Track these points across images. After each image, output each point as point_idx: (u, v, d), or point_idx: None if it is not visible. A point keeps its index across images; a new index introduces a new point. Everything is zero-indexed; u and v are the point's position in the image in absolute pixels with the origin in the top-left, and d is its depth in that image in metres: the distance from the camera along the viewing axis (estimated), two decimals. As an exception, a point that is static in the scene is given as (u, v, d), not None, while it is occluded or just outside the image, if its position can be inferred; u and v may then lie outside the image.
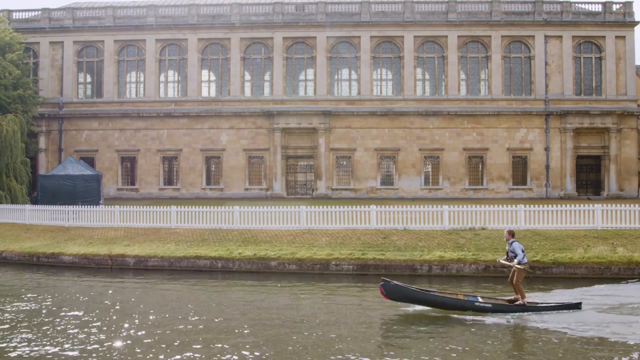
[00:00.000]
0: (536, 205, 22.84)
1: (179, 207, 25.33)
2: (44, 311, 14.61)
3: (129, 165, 43.26)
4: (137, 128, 42.66)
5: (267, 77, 43.06)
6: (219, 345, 11.49)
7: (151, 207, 25.62)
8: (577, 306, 13.94)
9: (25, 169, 33.77)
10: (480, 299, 14.07)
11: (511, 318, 13.38)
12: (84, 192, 31.27)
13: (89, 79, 44.15)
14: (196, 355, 10.90)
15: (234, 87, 42.53)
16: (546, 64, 41.59)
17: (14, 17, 43.82)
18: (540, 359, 10.78)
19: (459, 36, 41.96)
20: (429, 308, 14.06)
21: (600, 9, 42.07)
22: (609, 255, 19.37)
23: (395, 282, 14.27)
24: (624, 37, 41.62)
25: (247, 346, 11.44)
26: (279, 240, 22.16)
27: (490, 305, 13.77)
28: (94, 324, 13.23)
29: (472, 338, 12.06)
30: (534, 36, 41.76)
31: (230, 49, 42.67)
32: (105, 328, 12.90)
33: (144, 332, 12.53)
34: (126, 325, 13.06)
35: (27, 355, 10.97)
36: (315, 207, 24.16)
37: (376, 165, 41.69)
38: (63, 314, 14.26)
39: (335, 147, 41.73)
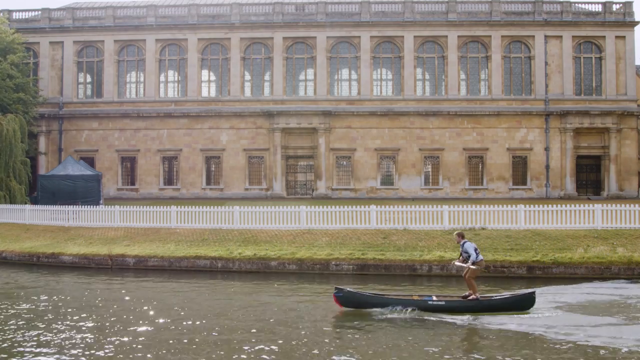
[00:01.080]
0: (536, 205, 22.85)
1: (179, 207, 25.34)
2: (40, 311, 14.60)
3: (129, 165, 43.26)
4: (137, 128, 42.65)
5: (267, 77, 43.06)
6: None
7: (151, 207, 25.63)
8: (530, 296, 13.96)
9: (25, 169, 33.76)
10: (434, 298, 14.21)
11: (467, 315, 13.48)
12: (84, 192, 31.25)
13: (89, 79, 44.14)
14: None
15: (234, 87, 42.52)
16: (546, 64, 41.59)
17: (14, 17, 43.82)
18: (492, 357, 10.82)
19: (459, 36, 41.95)
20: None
21: (600, 9, 42.06)
22: (609, 255, 19.38)
23: (348, 289, 14.44)
24: (624, 37, 41.61)
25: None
26: (279, 240, 22.16)
27: (443, 303, 13.93)
28: (89, 325, 13.23)
29: (426, 337, 12.09)
30: (534, 36, 41.76)
31: (230, 49, 42.67)
32: (96, 330, 12.90)
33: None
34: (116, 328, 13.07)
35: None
36: (315, 207, 24.17)
37: (376, 165, 41.68)
38: (62, 314, 14.26)
39: (335, 147, 41.72)
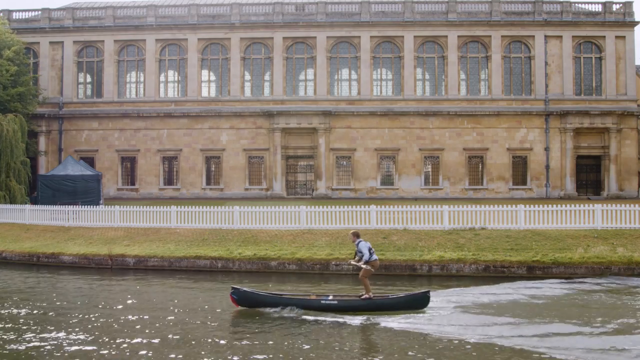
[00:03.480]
0: (536, 205, 22.84)
1: (179, 207, 25.32)
2: (37, 311, 14.61)
3: (129, 165, 43.26)
4: (137, 128, 42.66)
5: (267, 77, 43.06)
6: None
7: (151, 207, 25.61)
8: (424, 296, 14.04)
9: (25, 169, 33.73)
10: (330, 297, 14.30)
11: (362, 315, 13.54)
12: (84, 192, 31.23)
13: (89, 79, 44.14)
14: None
15: (234, 87, 42.53)
16: (546, 64, 41.59)
17: (14, 17, 43.82)
18: (384, 356, 10.89)
19: (459, 36, 41.96)
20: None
21: (600, 9, 42.06)
22: (609, 255, 19.36)
23: (244, 288, 14.53)
24: (624, 37, 41.62)
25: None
26: (279, 240, 22.15)
27: (336, 303, 13.99)
28: (88, 325, 13.24)
29: (321, 336, 12.18)
30: (534, 36, 41.76)
31: (230, 49, 42.67)
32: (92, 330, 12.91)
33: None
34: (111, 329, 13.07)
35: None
36: (315, 207, 24.15)
37: (376, 165, 41.68)
38: (60, 314, 14.27)
39: (335, 147, 41.73)
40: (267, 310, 14.05)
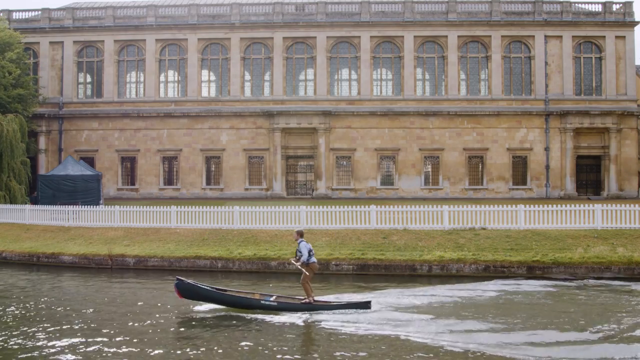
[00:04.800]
0: (536, 205, 22.84)
1: (179, 207, 25.31)
2: (34, 312, 14.61)
3: (129, 165, 43.26)
4: (137, 128, 42.66)
5: (267, 77, 43.06)
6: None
7: (151, 207, 25.60)
8: (366, 305, 14.12)
9: (25, 169, 33.74)
10: (272, 298, 14.41)
11: (303, 316, 13.64)
12: (84, 192, 31.23)
13: (89, 79, 44.15)
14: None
15: (234, 87, 42.53)
16: (546, 64, 41.59)
17: (14, 17, 43.81)
18: (321, 356, 10.97)
19: (459, 36, 41.96)
20: (224, 307, 14.46)
21: (600, 9, 42.06)
22: (609, 255, 19.36)
23: (189, 281, 14.58)
24: (624, 37, 41.61)
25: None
26: (279, 240, 22.15)
27: (276, 304, 14.09)
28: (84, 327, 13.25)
29: (258, 336, 12.28)
30: (534, 36, 41.76)
31: (230, 49, 42.67)
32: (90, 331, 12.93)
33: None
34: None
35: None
36: (315, 207, 24.15)
37: (376, 165, 41.68)
38: (59, 314, 14.28)
39: (335, 147, 41.73)
40: (215, 306, 14.39)
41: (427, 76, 42.81)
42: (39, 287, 18.28)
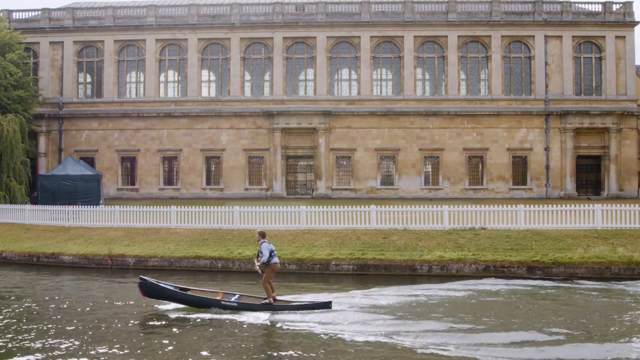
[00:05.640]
0: (536, 205, 22.83)
1: (179, 207, 25.31)
2: (34, 312, 14.62)
3: (129, 165, 43.26)
4: (137, 128, 42.66)
5: (267, 77, 43.06)
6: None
7: (151, 207, 25.60)
8: (327, 305, 14.24)
9: (25, 169, 33.73)
10: (233, 298, 14.54)
11: (262, 316, 13.76)
12: (84, 192, 31.23)
13: (89, 79, 44.14)
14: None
15: (234, 87, 42.53)
16: (546, 64, 41.59)
17: (14, 17, 43.81)
18: (277, 355, 11.07)
19: (459, 36, 41.95)
20: (184, 306, 14.58)
21: (600, 9, 42.06)
22: (609, 255, 19.35)
23: (152, 280, 14.70)
24: (624, 37, 41.62)
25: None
26: (279, 240, 22.11)
27: (236, 304, 14.25)
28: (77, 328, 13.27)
29: (218, 336, 12.37)
30: (534, 36, 41.76)
31: (230, 49, 42.67)
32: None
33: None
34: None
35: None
36: (315, 207, 24.14)
37: (376, 165, 41.68)
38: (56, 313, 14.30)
39: (335, 147, 41.72)
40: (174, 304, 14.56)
41: (427, 76, 42.80)
42: (28, 287, 18.28)
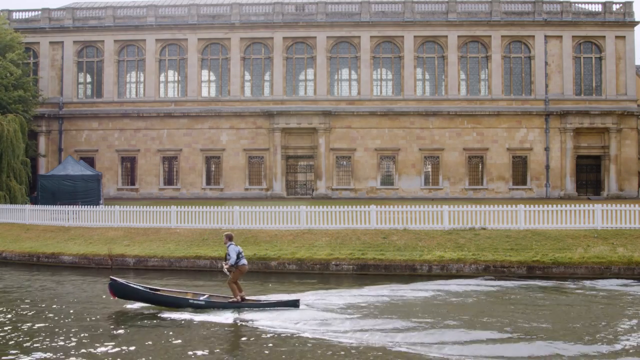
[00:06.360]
0: (536, 205, 22.82)
1: (179, 207, 25.31)
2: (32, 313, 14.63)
3: (129, 165, 43.26)
4: (137, 128, 42.66)
5: (267, 77, 43.06)
6: None
7: (151, 207, 25.59)
8: (294, 303, 14.35)
9: (25, 169, 33.71)
10: (202, 298, 14.65)
11: (228, 314, 13.89)
12: (84, 192, 31.23)
13: (89, 79, 44.15)
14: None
15: (234, 87, 42.53)
16: (546, 64, 41.59)
17: (14, 17, 43.82)
18: (246, 354, 11.15)
19: (459, 36, 41.96)
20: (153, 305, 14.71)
21: (600, 9, 42.07)
22: (609, 255, 19.35)
23: (121, 281, 14.86)
24: (624, 37, 41.62)
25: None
26: (279, 240, 22.14)
27: (204, 302, 14.43)
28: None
29: (183, 335, 12.43)
30: (534, 36, 41.76)
31: (230, 49, 42.67)
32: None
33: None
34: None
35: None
36: (315, 207, 24.13)
37: (376, 165, 41.68)
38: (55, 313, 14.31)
39: (335, 147, 41.73)
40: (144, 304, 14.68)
41: (427, 76, 42.81)
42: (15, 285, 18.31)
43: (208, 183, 42.55)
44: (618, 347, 11.27)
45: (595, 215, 22.24)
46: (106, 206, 27.58)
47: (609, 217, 22.22)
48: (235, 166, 42.07)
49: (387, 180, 42.04)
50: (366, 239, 21.71)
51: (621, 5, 41.71)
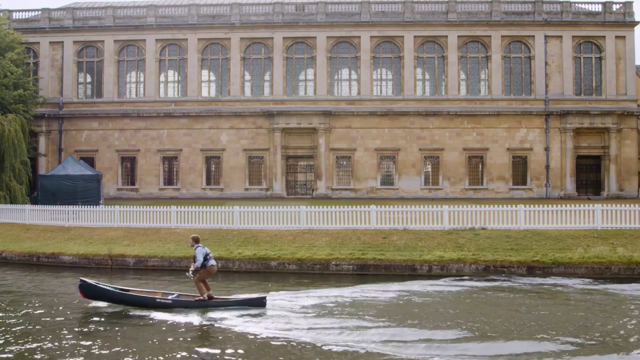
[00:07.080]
0: (536, 205, 22.81)
1: (179, 207, 25.29)
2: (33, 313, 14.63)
3: (129, 165, 43.26)
4: (137, 128, 42.66)
5: (267, 77, 43.07)
6: None
7: (151, 207, 25.56)
8: (260, 302, 14.49)
9: (26, 169, 33.67)
10: (169, 297, 14.76)
11: (196, 313, 14.02)
12: (84, 192, 31.23)
13: (89, 79, 44.15)
14: None
15: (234, 87, 42.53)
16: (546, 64, 41.59)
17: (14, 17, 43.84)
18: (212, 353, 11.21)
19: (459, 36, 41.96)
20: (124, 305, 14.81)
21: (600, 9, 42.08)
22: (609, 255, 19.35)
23: (91, 281, 15.01)
24: (624, 37, 41.63)
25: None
26: (279, 240, 22.12)
27: (170, 302, 14.58)
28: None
29: (146, 334, 12.49)
30: (534, 36, 41.77)
31: (230, 49, 42.68)
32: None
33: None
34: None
35: None
36: (315, 207, 24.11)
37: (376, 165, 41.69)
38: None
39: (335, 147, 41.73)
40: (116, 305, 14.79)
41: (427, 76, 42.81)
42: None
43: (208, 183, 42.55)
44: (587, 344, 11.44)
45: (595, 215, 22.23)
46: (106, 206, 27.55)
47: (609, 217, 22.21)
48: (235, 166, 42.07)
49: (387, 180, 42.04)
50: (366, 239, 21.69)
51: (621, 5, 41.72)
